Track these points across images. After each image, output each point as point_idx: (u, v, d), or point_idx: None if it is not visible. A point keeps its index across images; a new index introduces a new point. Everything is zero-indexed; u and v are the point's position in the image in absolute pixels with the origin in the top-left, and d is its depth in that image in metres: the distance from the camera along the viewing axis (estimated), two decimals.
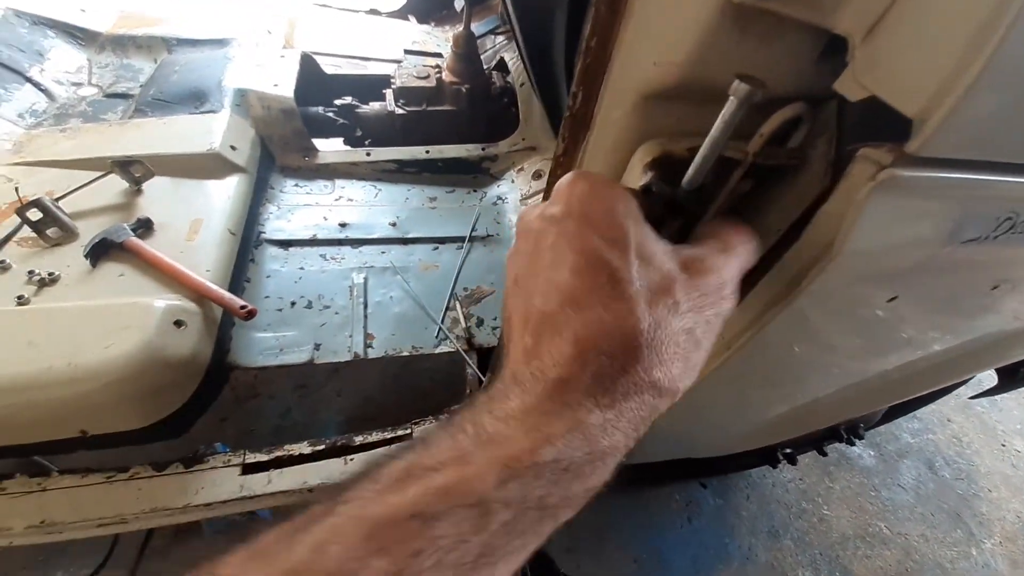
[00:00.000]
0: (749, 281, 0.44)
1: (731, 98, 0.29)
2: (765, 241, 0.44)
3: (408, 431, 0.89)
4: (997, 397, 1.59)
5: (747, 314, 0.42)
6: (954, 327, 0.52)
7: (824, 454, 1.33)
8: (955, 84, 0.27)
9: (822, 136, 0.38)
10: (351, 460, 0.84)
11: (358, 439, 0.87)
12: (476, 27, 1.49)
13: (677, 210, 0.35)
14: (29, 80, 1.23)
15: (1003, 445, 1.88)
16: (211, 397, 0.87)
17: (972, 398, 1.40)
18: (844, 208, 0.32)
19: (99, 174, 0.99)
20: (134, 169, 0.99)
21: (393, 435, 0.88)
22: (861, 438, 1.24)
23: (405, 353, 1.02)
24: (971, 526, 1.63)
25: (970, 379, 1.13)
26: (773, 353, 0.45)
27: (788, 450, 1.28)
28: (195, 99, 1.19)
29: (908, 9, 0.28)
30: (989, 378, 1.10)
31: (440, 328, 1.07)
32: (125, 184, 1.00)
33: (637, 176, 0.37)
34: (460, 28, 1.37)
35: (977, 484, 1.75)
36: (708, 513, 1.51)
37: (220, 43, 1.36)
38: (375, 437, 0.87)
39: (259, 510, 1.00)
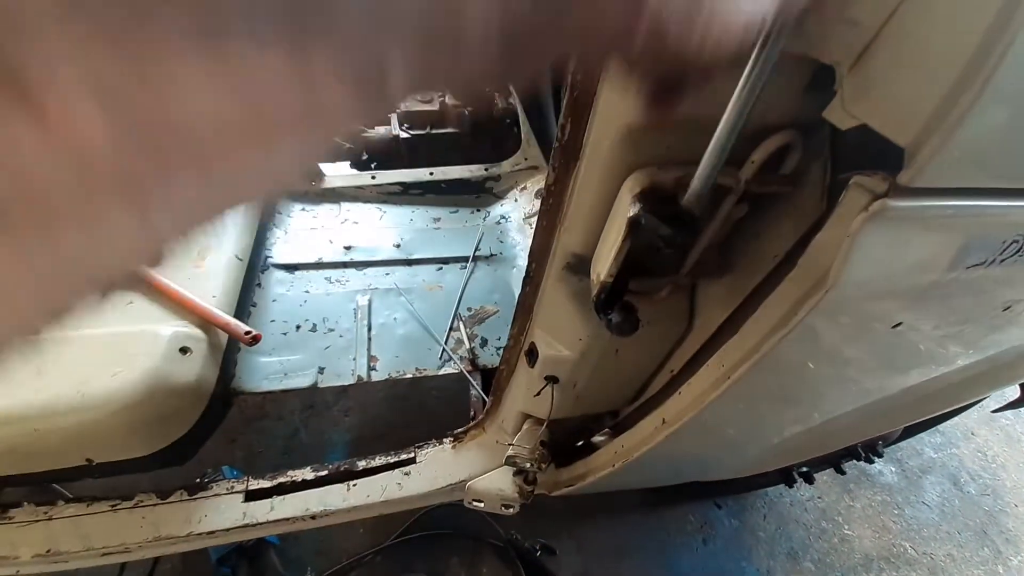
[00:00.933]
0: (748, 307, 0.43)
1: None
2: (763, 267, 0.43)
3: (411, 454, 0.88)
4: (1022, 409, 1.53)
5: (746, 342, 0.41)
6: (966, 349, 0.50)
7: (842, 472, 1.28)
8: (948, 113, 0.26)
9: (816, 162, 0.38)
10: (354, 486, 0.83)
11: (361, 464, 0.86)
12: None
13: (667, 240, 0.35)
14: None
15: None
16: (215, 423, 0.88)
17: (995, 411, 1.35)
18: (839, 236, 0.31)
19: None
20: None
21: (396, 459, 0.88)
22: (880, 456, 1.20)
23: (409, 375, 1.02)
24: (998, 543, 1.56)
25: (991, 394, 1.09)
26: (776, 378, 0.44)
27: (804, 468, 1.24)
28: None
29: (896, 38, 0.28)
30: (1013, 390, 1.06)
31: (444, 349, 1.06)
32: None
33: (627, 206, 0.37)
34: None
35: (1003, 499, 1.68)
36: (724, 534, 1.46)
37: None
38: (378, 462, 0.87)
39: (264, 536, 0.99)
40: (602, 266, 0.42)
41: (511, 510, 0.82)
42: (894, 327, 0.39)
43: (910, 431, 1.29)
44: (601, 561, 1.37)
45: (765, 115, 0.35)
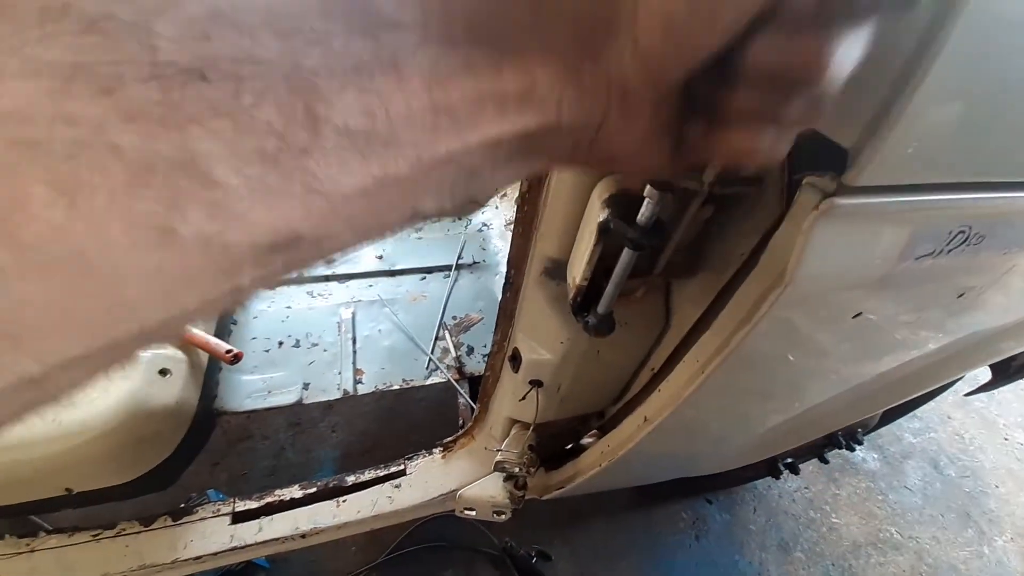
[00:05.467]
0: (719, 304, 0.45)
1: (647, 200, 0.31)
2: (732, 265, 0.45)
3: (401, 467, 0.88)
4: (995, 391, 1.59)
5: (718, 337, 0.42)
6: (928, 335, 0.52)
7: (825, 461, 1.31)
8: (884, 116, 0.28)
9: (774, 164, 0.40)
10: (344, 501, 0.82)
11: (350, 479, 0.85)
12: None
13: (635, 243, 0.36)
14: None
15: (1006, 439, 1.87)
16: (198, 446, 0.86)
17: (967, 395, 1.40)
18: (794, 234, 0.33)
19: None
20: None
21: (386, 472, 0.87)
22: (860, 443, 1.23)
23: (396, 386, 1.01)
24: (981, 524, 1.61)
25: (963, 376, 1.13)
26: (747, 371, 0.46)
27: (789, 460, 1.27)
28: None
29: None
30: (984, 373, 1.11)
31: (430, 359, 1.07)
32: None
33: (596, 213, 0.38)
34: None
35: (983, 480, 1.73)
36: (716, 529, 1.48)
37: None
38: (368, 476, 0.86)
39: (253, 559, 0.97)
40: (577, 270, 0.44)
41: (503, 516, 0.83)
42: (854, 317, 0.41)
43: (888, 417, 1.33)
44: (596, 563, 1.37)
45: None
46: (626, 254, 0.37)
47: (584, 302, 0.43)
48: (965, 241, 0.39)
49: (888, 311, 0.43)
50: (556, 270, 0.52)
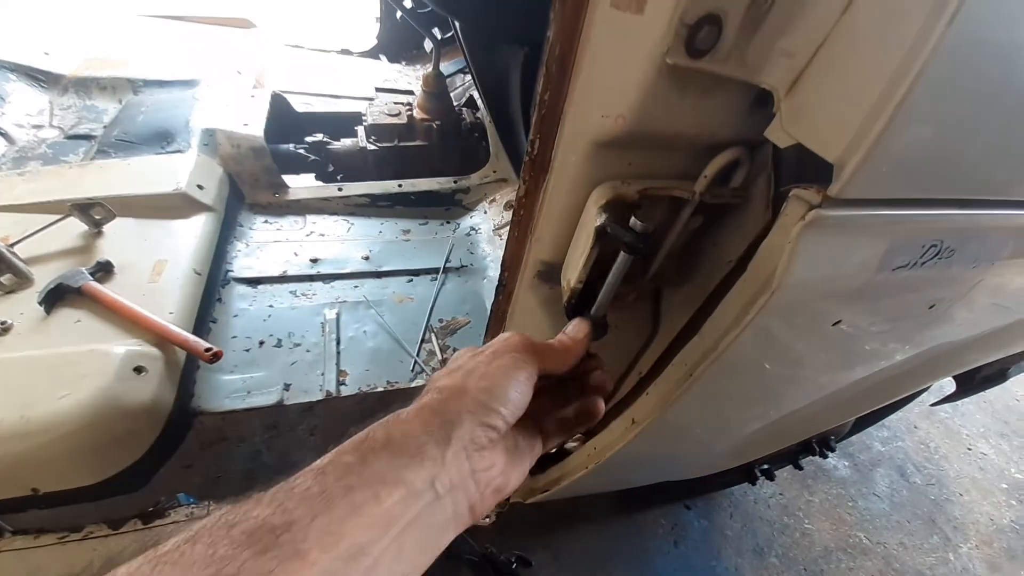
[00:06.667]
0: (707, 310, 0.46)
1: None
2: (719, 272, 0.46)
3: None
4: (959, 402, 1.65)
5: (706, 342, 0.43)
6: (900, 345, 0.55)
7: (800, 468, 1.35)
8: (867, 133, 0.30)
9: (761, 176, 0.41)
10: None
11: None
12: (445, 67, 1.55)
13: (631, 248, 0.37)
14: None
15: (969, 448, 1.95)
16: (172, 446, 0.84)
17: (933, 405, 1.46)
18: (782, 243, 0.34)
19: (57, 217, 0.96)
20: (94, 211, 0.97)
21: None
22: (833, 450, 1.27)
23: (380, 388, 1.00)
24: (946, 531, 1.67)
25: (929, 387, 1.18)
26: (733, 376, 0.47)
27: (765, 466, 1.30)
28: (161, 139, 1.18)
29: (824, 68, 0.32)
30: (949, 385, 1.16)
31: (416, 361, 1.06)
32: (85, 227, 0.97)
33: (593, 217, 0.39)
34: (430, 68, 1.42)
35: (948, 488, 1.80)
36: (694, 536, 1.50)
37: (188, 84, 1.36)
38: None
39: None
40: (572, 272, 0.44)
41: (487, 520, 0.82)
42: (834, 324, 0.43)
43: (859, 425, 1.37)
44: (576, 570, 1.38)
45: (715, 133, 0.39)
46: (622, 258, 0.38)
47: (578, 305, 0.44)
48: (937, 254, 0.41)
49: (865, 320, 0.45)
50: (549, 274, 0.52)
